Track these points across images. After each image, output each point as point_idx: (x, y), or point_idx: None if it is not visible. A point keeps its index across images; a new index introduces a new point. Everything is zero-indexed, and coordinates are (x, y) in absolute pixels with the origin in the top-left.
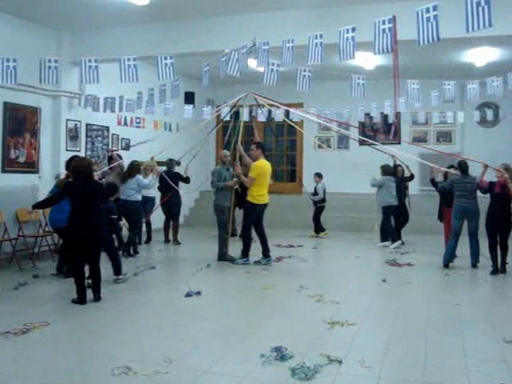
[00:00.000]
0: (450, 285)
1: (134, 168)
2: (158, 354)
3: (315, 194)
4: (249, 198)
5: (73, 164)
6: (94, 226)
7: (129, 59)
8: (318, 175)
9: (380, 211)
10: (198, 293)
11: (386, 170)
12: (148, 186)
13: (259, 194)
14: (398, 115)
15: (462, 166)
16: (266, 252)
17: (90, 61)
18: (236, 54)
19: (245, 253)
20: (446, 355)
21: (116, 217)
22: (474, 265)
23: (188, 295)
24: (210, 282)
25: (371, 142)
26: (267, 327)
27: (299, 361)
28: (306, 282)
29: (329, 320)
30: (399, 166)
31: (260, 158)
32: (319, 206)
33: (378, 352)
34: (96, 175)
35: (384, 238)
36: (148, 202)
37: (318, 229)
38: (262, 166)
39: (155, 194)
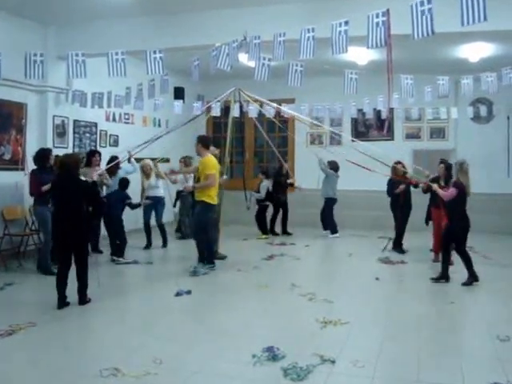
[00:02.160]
0: (443, 283)
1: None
2: (147, 354)
3: (258, 191)
4: (205, 198)
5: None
6: (73, 224)
7: (117, 53)
8: (263, 173)
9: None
10: (189, 292)
11: (333, 167)
12: (157, 185)
13: (215, 194)
14: (391, 111)
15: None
16: (210, 258)
17: (77, 55)
18: (226, 48)
19: (209, 258)
20: (440, 354)
21: (129, 201)
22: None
23: (178, 294)
24: (200, 281)
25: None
26: (259, 327)
27: (291, 361)
28: (298, 280)
29: (321, 319)
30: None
31: (204, 154)
32: (262, 205)
33: (371, 351)
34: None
35: (325, 227)
36: (159, 202)
37: (262, 230)
38: (216, 163)
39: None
